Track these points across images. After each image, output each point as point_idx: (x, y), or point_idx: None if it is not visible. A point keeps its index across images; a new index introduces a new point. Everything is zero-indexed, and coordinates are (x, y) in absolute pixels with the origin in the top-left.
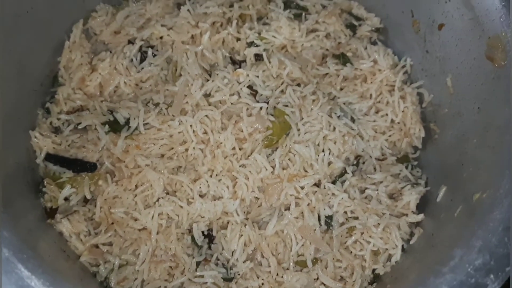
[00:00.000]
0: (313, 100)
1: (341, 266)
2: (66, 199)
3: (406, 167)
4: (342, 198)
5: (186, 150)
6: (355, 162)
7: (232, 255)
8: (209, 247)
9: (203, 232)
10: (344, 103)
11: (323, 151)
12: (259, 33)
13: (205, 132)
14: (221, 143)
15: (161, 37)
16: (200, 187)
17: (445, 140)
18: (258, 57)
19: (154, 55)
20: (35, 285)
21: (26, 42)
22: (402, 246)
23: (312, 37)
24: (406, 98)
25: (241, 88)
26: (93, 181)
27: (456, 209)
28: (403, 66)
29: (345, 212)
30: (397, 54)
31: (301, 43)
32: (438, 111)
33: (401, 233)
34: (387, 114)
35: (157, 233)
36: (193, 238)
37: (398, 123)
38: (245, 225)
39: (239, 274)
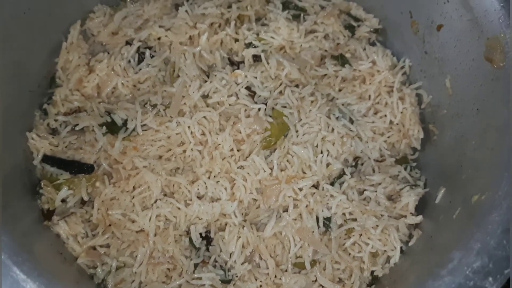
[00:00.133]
0: (312, 101)
1: (339, 268)
2: (63, 200)
3: (405, 169)
4: (340, 200)
5: (184, 151)
6: (353, 164)
7: (230, 257)
8: (207, 249)
9: (201, 234)
10: (342, 104)
11: (321, 152)
12: (258, 34)
13: (203, 134)
14: (219, 144)
15: (159, 38)
16: (198, 189)
17: (444, 141)
18: (256, 58)
19: (152, 56)
20: None
21: (23, 43)
22: (401, 248)
23: (310, 38)
24: (405, 99)
25: (239, 89)
26: (90, 183)
27: (455, 211)
28: (402, 67)
29: (344, 214)
30: (396, 55)
31: (299, 44)
32: (437, 112)
33: (400, 235)
34: (385, 115)
35: (155, 235)
36: (191, 240)
37: (397, 124)
38: (243, 226)
39: (237, 276)
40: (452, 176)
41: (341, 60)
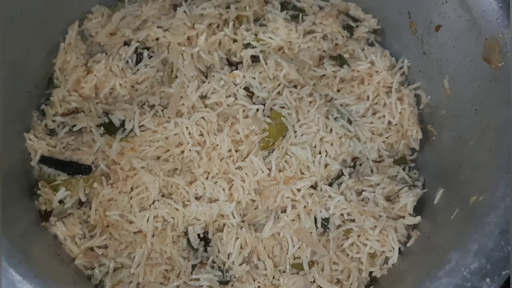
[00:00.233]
0: (310, 102)
1: (337, 269)
2: (60, 201)
3: (404, 169)
4: (338, 201)
5: (182, 152)
6: (352, 164)
7: (228, 258)
8: (205, 250)
9: (198, 234)
10: (341, 105)
11: (319, 153)
12: (256, 35)
13: (201, 134)
14: (217, 145)
15: (157, 39)
16: (196, 190)
17: (442, 142)
18: (254, 59)
19: (150, 57)
20: None
21: (21, 44)
22: (399, 248)
23: (309, 38)
24: (403, 100)
25: (237, 90)
26: (88, 184)
27: (453, 212)
28: (401, 68)
29: (342, 215)
30: (395, 56)
31: (298, 45)
32: (435, 113)
33: (398, 236)
34: (384, 116)
35: (153, 236)
36: (188, 241)
37: (396, 124)
38: (241, 227)
39: (235, 277)
40: (451, 177)
41: (340, 60)
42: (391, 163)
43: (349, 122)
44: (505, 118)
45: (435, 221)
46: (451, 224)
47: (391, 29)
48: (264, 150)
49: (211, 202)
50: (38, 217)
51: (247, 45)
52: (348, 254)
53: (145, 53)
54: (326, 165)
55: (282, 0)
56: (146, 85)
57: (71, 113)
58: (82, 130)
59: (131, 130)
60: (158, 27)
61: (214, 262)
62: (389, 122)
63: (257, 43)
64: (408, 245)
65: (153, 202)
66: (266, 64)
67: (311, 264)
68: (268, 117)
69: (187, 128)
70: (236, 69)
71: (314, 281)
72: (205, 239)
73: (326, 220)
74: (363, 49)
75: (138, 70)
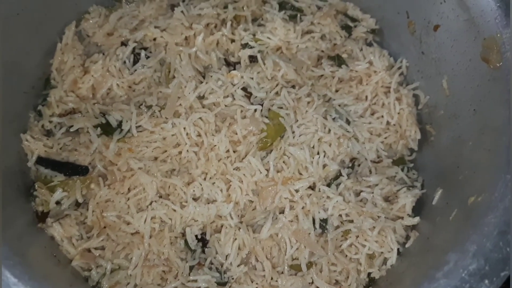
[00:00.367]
0: (308, 102)
1: (336, 270)
2: (57, 203)
3: (402, 170)
4: (337, 201)
5: (180, 152)
6: (350, 165)
7: (226, 259)
8: (203, 251)
9: (196, 236)
10: (339, 105)
11: (318, 153)
12: (254, 35)
13: (199, 135)
14: (215, 145)
15: (154, 39)
16: (193, 190)
17: (441, 142)
18: (252, 59)
19: (147, 57)
20: None
21: (18, 44)
22: (398, 249)
23: (307, 38)
24: (402, 100)
25: (235, 90)
26: (85, 185)
27: (451, 213)
28: (399, 68)
29: (340, 215)
30: (393, 56)
31: (296, 45)
32: (434, 113)
33: (397, 237)
34: (382, 116)
35: (150, 237)
36: (186, 242)
37: (394, 125)
38: (239, 228)
39: (233, 279)
40: (449, 177)
41: (338, 60)
42: (390, 163)
43: (348, 122)
44: (503, 118)
45: (434, 221)
46: (450, 225)
47: (389, 29)
48: (262, 150)
49: (209, 203)
50: (35, 218)
51: (245, 45)
52: (346, 255)
53: (143, 53)
54: (324, 166)
55: (280, 0)
56: (143, 85)
57: (68, 114)
58: (79, 130)
59: (128, 131)
60: (155, 27)
61: (212, 263)
62: (388, 123)
63: (255, 43)
64: (406, 246)
65: (151, 203)
66: (264, 64)
67: (309, 265)
68: (266, 117)
69: (184, 128)
70: (234, 69)
71: (312, 282)
72: (202, 240)
73: (324, 221)
74: (361, 49)
75: (136, 70)
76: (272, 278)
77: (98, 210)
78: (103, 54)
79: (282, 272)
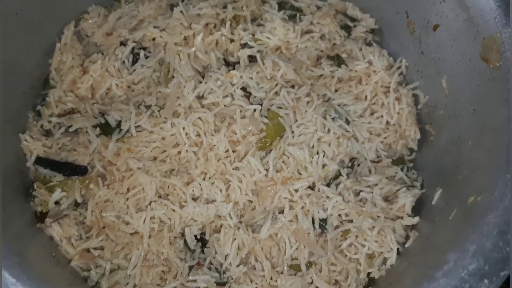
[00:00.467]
0: (308, 102)
1: (335, 270)
2: (56, 203)
3: (402, 169)
4: (336, 201)
5: (179, 152)
6: (349, 165)
7: (226, 259)
8: (202, 251)
9: (195, 236)
10: (338, 105)
11: (317, 153)
12: (253, 35)
13: (198, 135)
14: (214, 145)
15: (153, 39)
16: (193, 190)
17: (440, 142)
18: (252, 59)
19: (147, 57)
20: None
21: (16, 44)
22: (398, 249)
23: (306, 38)
24: (401, 100)
25: (234, 90)
26: (84, 185)
27: (451, 212)
28: (398, 67)
29: (340, 215)
30: (392, 55)
31: (295, 45)
32: (433, 113)
33: (396, 236)
34: (382, 116)
35: (149, 237)
36: (185, 242)
37: (394, 124)
38: (239, 228)
39: (232, 279)
40: (449, 177)
41: (337, 60)
42: (389, 163)
43: (347, 122)
44: (503, 117)
45: (433, 221)
46: (449, 225)
47: (389, 28)
48: (261, 150)
49: (208, 203)
50: (34, 219)
51: (244, 45)
52: (346, 255)
53: (142, 53)
54: (323, 166)
55: (280, 0)
56: (142, 85)
57: (67, 114)
58: (78, 130)
59: (127, 131)
60: (154, 27)
61: (211, 264)
62: (387, 122)
63: (255, 43)
64: (406, 245)
65: (150, 203)
66: (264, 64)
67: (309, 265)
68: (266, 117)
69: (184, 128)
70: (233, 69)
71: (312, 282)
72: (202, 240)
73: (323, 221)
74: (360, 49)
75: (135, 70)
76: (271, 278)
77: (97, 210)
78: (102, 54)
79: (282, 272)
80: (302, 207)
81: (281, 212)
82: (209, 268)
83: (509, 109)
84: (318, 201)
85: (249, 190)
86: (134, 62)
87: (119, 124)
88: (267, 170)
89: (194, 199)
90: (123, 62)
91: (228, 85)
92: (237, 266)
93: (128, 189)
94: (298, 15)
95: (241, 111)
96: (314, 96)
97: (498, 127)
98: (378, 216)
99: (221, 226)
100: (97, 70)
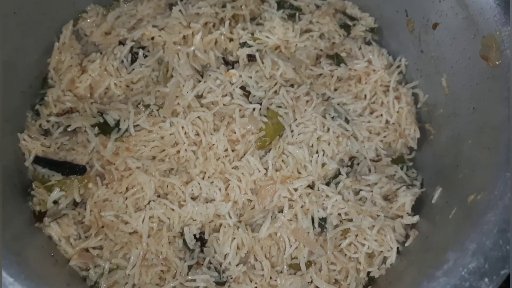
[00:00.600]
0: (307, 101)
1: (335, 269)
2: (55, 202)
3: (401, 168)
4: (336, 200)
5: (178, 152)
6: (349, 164)
7: (225, 258)
8: (201, 251)
9: (195, 235)
10: (338, 104)
11: (316, 152)
12: (252, 34)
13: (197, 134)
14: (213, 144)
15: (152, 38)
16: (192, 190)
17: (440, 140)
18: (251, 58)
19: (145, 56)
20: None
21: (15, 43)
22: (397, 248)
23: (306, 37)
24: (401, 99)
25: (233, 89)
26: (83, 184)
27: (451, 211)
28: (398, 66)
29: (339, 214)
30: (392, 54)
31: (294, 44)
32: (433, 112)
33: (396, 235)
34: (381, 115)
35: (148, 236)
36: (184, 241)
37: (393, 123)
38: (238, 227)
39: (231, 278)
40: (449, 176)
41: (337, 59)
42: (389, 162)
43: (346, 121)
44: (503, 116)
45: (433, 220)
46: (449, 223)
47: (388, 27)
48: (260, 149)
49: (207, 202)
50: (32, 218)
51: (243, 44)
52: (345, 254)
53: (140, 52)
54: (323, 165)
55: None
56: (141, 84)
57: (65, 113)
58: (76, 130)
59: (126, 130)
60: (153, 26)
61: (210, 263)
62: (387, 121)
63: (254, 42)
64: (406, 244)
65: (149, 203)
66: (263, 63)
67: (309, 264)
68: (265, 116)
69: (182, 127)
70: (232, 68)
71: (311, 282)
72: (201, 240)
73: (323, 220)
74: (360, 48)
75: (133, 69)
76: (271, 278)
77: (96, 210)
78: (101, 53)
79: (281, 272)
80: (301, 206)
81: (281, 211)
82: (209, 268)
83: (509, 108)
84: (317, 200)
85: (249, 189)
86: (133, 61)
87: (117, 123)
88: (266, 169)
89: (193, 199)
90: (122, 61)
91: (227, 84)
92: (237, 265)
93: (127, 188)
94: (297, 14)
95: (240, 110)
96: (314, 95)
97: (498, 126)
98: (378, 215)
99: (220, 225)
100: (96, 70)
